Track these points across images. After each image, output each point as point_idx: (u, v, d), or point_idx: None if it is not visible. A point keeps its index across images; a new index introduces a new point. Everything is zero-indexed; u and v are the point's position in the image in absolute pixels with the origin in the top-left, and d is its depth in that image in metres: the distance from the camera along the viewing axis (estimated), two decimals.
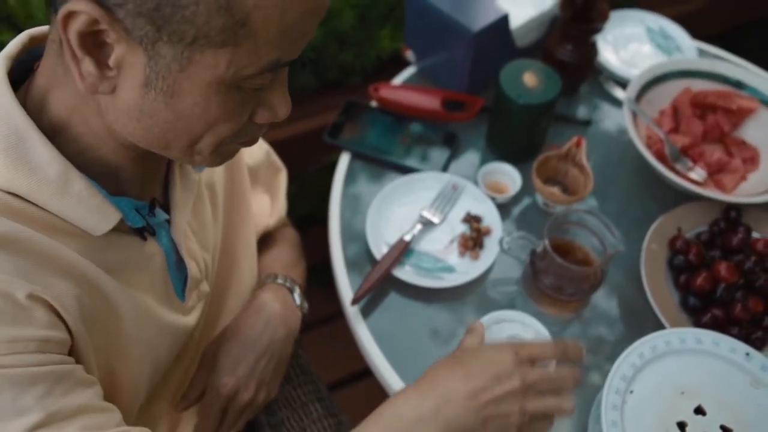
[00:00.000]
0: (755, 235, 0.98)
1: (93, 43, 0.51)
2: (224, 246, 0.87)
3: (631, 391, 0.78)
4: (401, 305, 0.94)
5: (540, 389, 0.68)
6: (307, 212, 1.43)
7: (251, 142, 0.64)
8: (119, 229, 0.64)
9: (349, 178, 1.07)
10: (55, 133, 0.59)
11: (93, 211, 0.60)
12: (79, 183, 0.59)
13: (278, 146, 1.04)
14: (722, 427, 0.75)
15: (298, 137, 1.39)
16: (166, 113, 0.55)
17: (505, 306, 0.95)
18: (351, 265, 0.97)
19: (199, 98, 0.54)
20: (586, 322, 0.95)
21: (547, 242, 0.87)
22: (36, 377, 0.55)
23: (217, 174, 0.84)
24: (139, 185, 0.67)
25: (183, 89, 0.53)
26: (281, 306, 0.90)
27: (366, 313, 0.93)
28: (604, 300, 0.96)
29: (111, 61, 0.52)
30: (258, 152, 0.97)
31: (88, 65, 0.52)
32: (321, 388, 1.00)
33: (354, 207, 1.03)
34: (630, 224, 1.02)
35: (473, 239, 0.97)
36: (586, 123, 1.15)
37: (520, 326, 0.86)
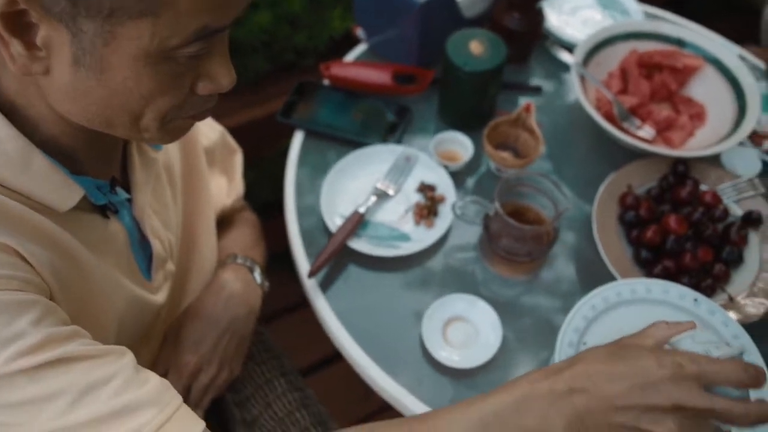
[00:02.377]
0: (703, 187, 1.00)
1: (18, 24, 0.51)
2: (185, 227, 0.87)
3: (584, 343, 0.79)
4: (360, 277, 0.95)
5: (704, 418, 0.57)
6: (269, 198, 1.43)
7: (201, 116, 0.64)
8: (81, 208, 0.64)
9: (304, 156, 1.07)
10: (8, 114, 0.59)
11: (56, 186, 0.60)
12: (39, 160, 0.59)
13: (236, 132, 1.05)
14: None
15: (255, 123, 1.39)
16: (99, 90, 0.55)
17: (463, 271, 0.96)
18: (308, 241, 0.98)
19: (129, 72, 0.54)
20: (543, 281, 0.96)
21: (497, 205, 0.88)
22: (25, 304, 0.55)
23: (174, 156, 0.84)
24: (97, 165, 0.67)
25: (112, 64, 0.53)
26: (242, 285, 0.91)
27: (325, 287, 0.94)
28: (560, 260, 0.98)
29: (38, 41, 0.52)
30: (213, 134, 0.98)
31: (16, 47, 0.52)
32: (285, 364, 1.00)
33: (310, 184, 1.03)
34: (583, 185, 1.04)
35: (428, 207, 0.98)
36: (537, 89, 1.16)
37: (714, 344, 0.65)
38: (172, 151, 0.84)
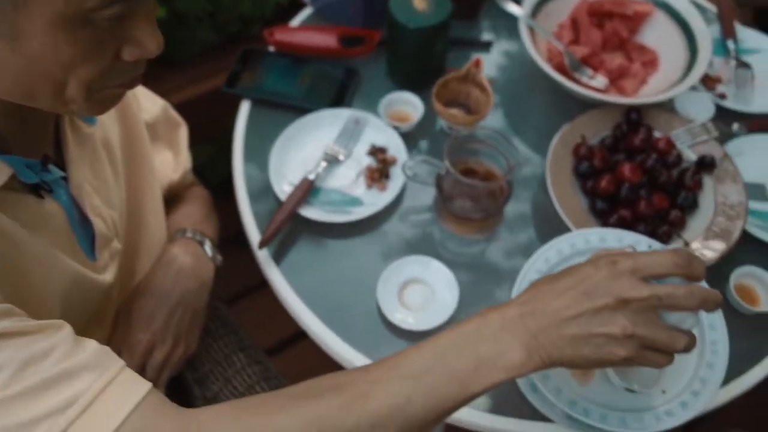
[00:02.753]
0: (657, 134, 0.98)
1: None
2: (130, 204, 0.85)
3: None
4: (314, 246, 0.93)
5: (651, 307, 0.58)
6: (229, 174, 1.41)
7: (131, 85, 0.61)
8: (12, 187, 0.61)
9: (251, 126, 1.04)
10: None
11: None
12: None
13: (187, 107, 1.02)
14: None
15: (207, 96, 1.35)
16: (16, 59, 0.52)
17: (420, 233, 0.94)
18: (259, 212, 0.95)
19: (45, 38, 0.51)
20: (501, 238, 0.95)
21: (447, 163, 0.86)
22: None
23: (112, 132, 0.81)
24: (26, 143, 0.64)
25: (26, 31, 0.50)
26: (192, 258, 0.89)
27: (279, 257, 0.92)
28: (518, 215, 0.97)
29: None
30: (154, 108, 0.95)
31: None
32: (243, 338, 0.99)
33: (259, 154, 1.00)
34: (538, 138, 1.02)
35: (379, 170, 0.96)
36: (487, 44, 1.14)
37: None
38: (110, 127, 0.81)
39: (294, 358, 1.56)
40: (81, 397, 0.53)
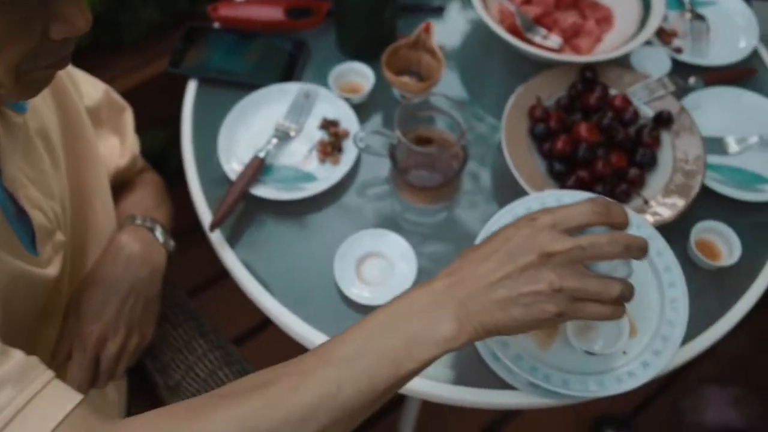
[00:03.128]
0: (613, 92, 0.97)
1: None
2: (74, 193, 0.81)
3: None
4: (270, 226, 0.91)
5: (576, 259, 0.56)
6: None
7: (61, 65, 0.58)
8: None
9: (199, 106, 1.01)
10: None
11: None
12: None
13: (137, 92, 0.98)
14: None
15: (157, 80, 1.31)
16: None
17: (377, 206, 0.92)
18: (214, 195, 0.92)
19: None
20: (461, 206, 0.93)
21: (398, 132, 0.84)
22: None
23: (49, 120, 0.78)
24: None
25: None
26: (141, 245, 0.86)
27: (235, 239, 0.89)
28: (476, 182, 0.95)
29: None
30: (96, 93, 0.91)
31: None
32: (203, 324, 0.96)
33: (209, 135, 0.97)
34: (494, 102, 1.00)
35: (331, 144, 0.93)
36: (439, 10, 1.11)
37: None
38: (47, 115, 0.78)
39: (263, 344, 1.54)
40: (0, 413, 0.50)
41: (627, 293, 0.58)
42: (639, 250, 0.57)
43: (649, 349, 0.71)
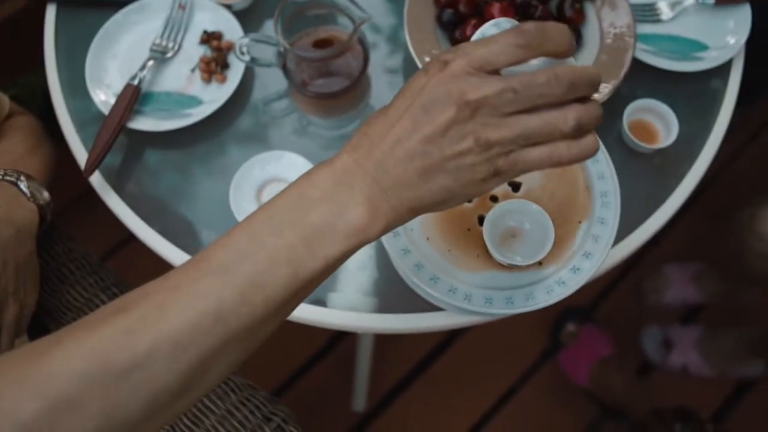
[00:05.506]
0: None
1: None
2: None
3: None
4: (157, 160, 0.81)
5: (507, 106, 0.43)
6: None
7: None
8: None
9: (62, 33, 0.88)
10: None
11: None
12: None
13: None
14: (510, 183, 0.66)
15: (19, 17, 1.16)
16: None
17: (279, 125, 0.82)
18: (89, 133, 0.81)
19: None
20: (376, 109, 0.83)
21: (280, 37, 0.73)
22: None
23: None
24: None
25: None
26: (2, 203, 0.75)
27: (119, 179, 0.79)
28: (384, 83, 0.85)
29: None
30: None
31: None
32: (104, 276, 0.87)
33: (77, 66, 0.85)
34: None
35: (215, 60, 0.82)
36: None
37: None
38: None
39: (127, 258, 1.48)
40: None
41: (586, 118, 0.44)
42: (589, 85, 0.44)
43: (579, 252, 0.63)
